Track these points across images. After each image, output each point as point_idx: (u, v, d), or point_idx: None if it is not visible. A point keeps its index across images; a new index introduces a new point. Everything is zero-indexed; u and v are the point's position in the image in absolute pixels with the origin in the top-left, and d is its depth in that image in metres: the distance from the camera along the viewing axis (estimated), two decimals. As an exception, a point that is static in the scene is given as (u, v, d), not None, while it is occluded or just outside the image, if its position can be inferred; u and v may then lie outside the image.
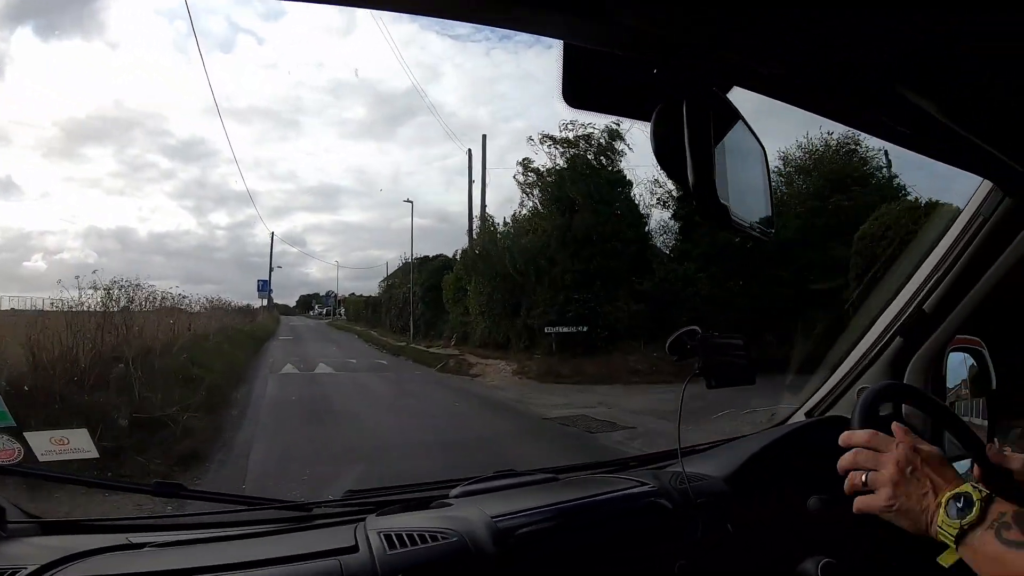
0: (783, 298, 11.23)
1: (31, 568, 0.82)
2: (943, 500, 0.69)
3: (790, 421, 1.39)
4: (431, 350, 15.79)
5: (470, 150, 17.64)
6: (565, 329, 12.92)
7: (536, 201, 14.60)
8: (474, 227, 16.02)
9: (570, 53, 0.56)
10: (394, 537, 0.94)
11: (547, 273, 13.53)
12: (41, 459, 1.16)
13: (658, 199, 14.27)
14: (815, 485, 0.99)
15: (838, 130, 12.82)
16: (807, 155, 13.67)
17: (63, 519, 1.06)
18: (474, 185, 17.07)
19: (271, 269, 26.64)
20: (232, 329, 14.64)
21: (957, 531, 0.67)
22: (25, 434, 1.14)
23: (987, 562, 0.66)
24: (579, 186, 13.52)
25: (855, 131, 10.96)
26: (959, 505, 0.68)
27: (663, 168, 0.55)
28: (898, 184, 12.58)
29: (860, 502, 0.75)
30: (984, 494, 0.68)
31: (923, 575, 0.74)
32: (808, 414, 1.38)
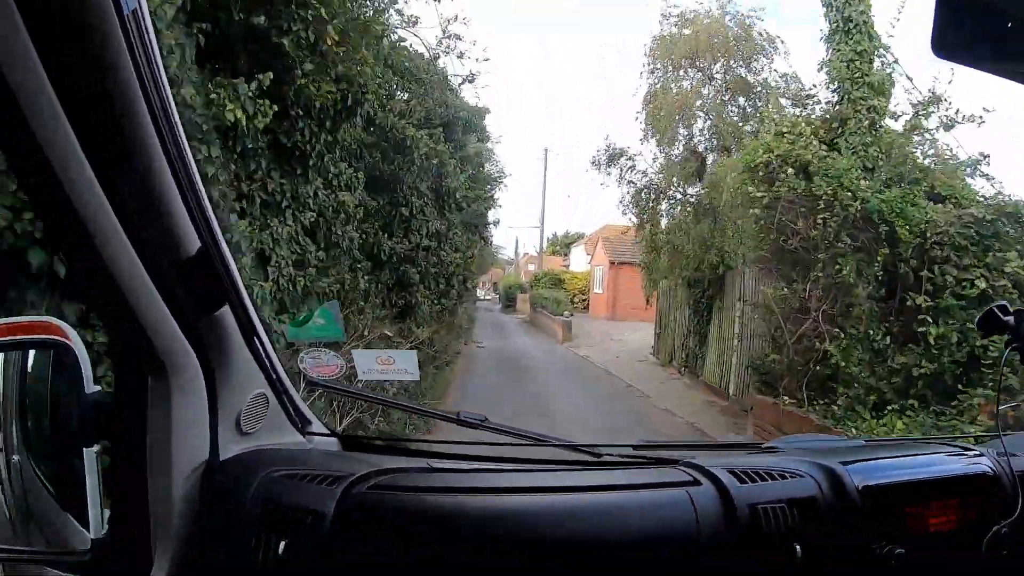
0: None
1: (359, 473, 0.90)
2: None
3: None
4: None
5: None
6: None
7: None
8: None
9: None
10: (739, 472, 0.95)
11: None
12: (361, 376, 1.27)
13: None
14: None
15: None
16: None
17: (357, 435, 1.16)
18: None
19: None
20: None
21: None
22: (354, 352, 1.27)
23: None
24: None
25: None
26: None
27: None
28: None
29: None
30: None
31: None
32: None
